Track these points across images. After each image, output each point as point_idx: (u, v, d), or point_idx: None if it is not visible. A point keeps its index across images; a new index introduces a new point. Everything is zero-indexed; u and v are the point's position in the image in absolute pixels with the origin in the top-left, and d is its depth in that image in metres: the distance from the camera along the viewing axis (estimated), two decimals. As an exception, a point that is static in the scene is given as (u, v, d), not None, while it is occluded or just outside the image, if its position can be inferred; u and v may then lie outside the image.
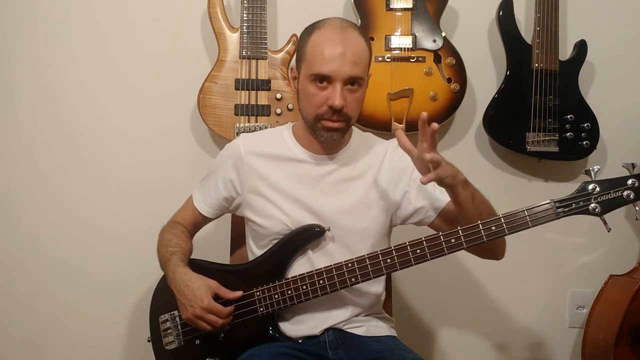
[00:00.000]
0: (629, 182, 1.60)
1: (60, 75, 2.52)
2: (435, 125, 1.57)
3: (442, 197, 1.79)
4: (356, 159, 1.86)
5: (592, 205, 1.59)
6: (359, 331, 1.81)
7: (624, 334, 2.21)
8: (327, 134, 1.76)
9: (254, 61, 2.35)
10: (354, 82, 1.72)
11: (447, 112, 2.40)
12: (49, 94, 2.52)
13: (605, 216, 1.61)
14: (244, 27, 2.33)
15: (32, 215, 2.53)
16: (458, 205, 1.68)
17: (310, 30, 1.78)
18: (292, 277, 1.76)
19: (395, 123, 1.87)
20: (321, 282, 1.72)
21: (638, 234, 2.56)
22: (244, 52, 2.34)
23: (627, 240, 2.55)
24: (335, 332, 1.79)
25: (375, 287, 1.84)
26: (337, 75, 1.70)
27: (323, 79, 1.72)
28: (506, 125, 2.44)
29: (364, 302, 1.83)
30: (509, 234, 1.62)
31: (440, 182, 1.63)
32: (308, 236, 1.78)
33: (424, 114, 1.57)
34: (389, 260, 1.68)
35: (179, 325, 1.84)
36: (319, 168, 1.84)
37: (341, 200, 1.81)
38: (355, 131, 1.92)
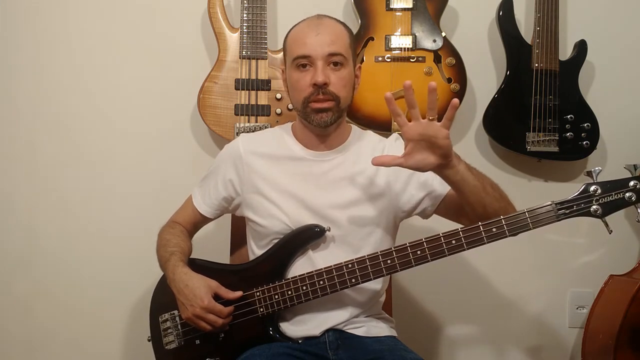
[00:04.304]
0: (631, 183, 1.59)
1: (60, 75, 2.52)
2: (455, 101, 1.58)
3: (443, 185, 1.77)
4: (356, 155, 1.85)
5: (594, 207, 1.59)
6: (359, 332, 1.81)
7: (624, 334, 2.21)
8: (317, 115, 1.77)
9: (254, 61, 2.35)
10: (336, 61, 1.76)
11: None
12: (48, 94, 2.53)
13: (607, 217, 1.61)
14: (244, 27, 2.33)
15: (32, 215, 2.53)
16: (462, 182, 1.65)
17: (291, 28, 1.85)
18: (292, 278, 1.75)
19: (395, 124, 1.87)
20: (321, 282, 1.72)
21: (638, 234, 2.56)
22: (244, 52, 2.34)
23: (627, 240, 2.55)
24: (335, 333, 1.78)
25: (375, 287, 1.83)
26: (316, 54, 1.75)
27: (305, 64, 1.76)
28: (506, 125, 2.44)
29: (364, 302, 1.82)
30: (510, 235, 1.62)
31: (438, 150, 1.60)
32: (308, 236, 1.78)
33: (433, 84, 1.56)
34: (389, 261, 1.68)
35: (179, 325, 1.84)
36: (318, 166, 1.84)
37: (341, 197, 1.81)
38: (355, 128, 1.92)
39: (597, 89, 2.56)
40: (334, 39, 1.77)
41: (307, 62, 1.76)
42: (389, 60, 2.38)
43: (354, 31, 2.39)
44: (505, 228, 1.61)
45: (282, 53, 2.33)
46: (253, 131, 2.25)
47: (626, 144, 2.56)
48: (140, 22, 2.53)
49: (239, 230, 2.06)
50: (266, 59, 2.34)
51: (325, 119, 1.77)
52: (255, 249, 1.88)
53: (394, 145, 1.86)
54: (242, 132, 2.30)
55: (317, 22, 1.80)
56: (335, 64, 1.76)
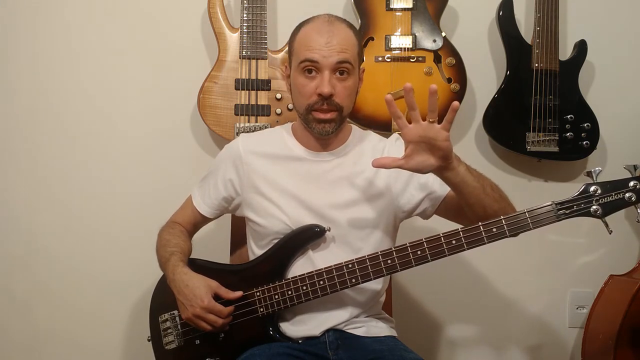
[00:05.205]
0: (631, 184, 1.59)
1: (60, 75, 2.52)
2: (456, 104, 1.57)
3: (443, 186, 1.77)
4: (356, 156, 1.85)
5: (594, 207, 1.59)
6: (359, 332, 1.81)
7: (624, 334, 2.21)
8: (319, 125, 1.77)
9: (254, 61, 2.35)
10: (343, 70, 1.74)
11: (447, 112, 2.39)
12: (48, 94, 2.53)
13: (607, 217, 1.60)
14: (244, 27, 2.33)
15: (32, 215, 2.53)
16: (462, 183, 1.64)
17: (299, 26, 1.82)
18: (292, 278, 1.75)
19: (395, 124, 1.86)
20: (321, 282, 1.72)
21: (638, 234, 2.56)
22: (244, 52, 2.34)
23: (627, 240, 2.55)
24: (335, 333, 1.78)
25: (376, 287, 1.83)
26: (324, 62, 1.72)
27: (311, 69, 1.74)
28: (506, 125, 2.44)
29: (364, 302, 1.82)
30: (510, 235, 1.62)
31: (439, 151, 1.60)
32: (308, 236, 1.78)
33: (433, 86, 1.55)
34: (389, 261, 1.67)
35: (179, 325, 1.84)
36: (318, 165, 1.84)
37: (341, 197, 1.81)
38: (355, 129, 1.92)
39: (597, 89, 2.56)
40: (344, 47, 1.74)
41: (313, 68, 1.74)
42: (389, 60, 2.37)
43: (354, 31, 2.40)
44: (506, 228, 1.61)
45: (281, 53, 2.35)
46: (253, 131, 2.25)
47: (626, 144, 2.56)
48: (140, 22, 2.53)
49: (239, 230, 2.06)
50: (266, 59, 2.34)
51: (327, 129, 1.77)
52: (255, 249, 1.88)
53: (394, 146, 1.85)
54: (242, 132, 2.30)
55: (329, 27, 1.75)
56: (342, 72, 1.75)
